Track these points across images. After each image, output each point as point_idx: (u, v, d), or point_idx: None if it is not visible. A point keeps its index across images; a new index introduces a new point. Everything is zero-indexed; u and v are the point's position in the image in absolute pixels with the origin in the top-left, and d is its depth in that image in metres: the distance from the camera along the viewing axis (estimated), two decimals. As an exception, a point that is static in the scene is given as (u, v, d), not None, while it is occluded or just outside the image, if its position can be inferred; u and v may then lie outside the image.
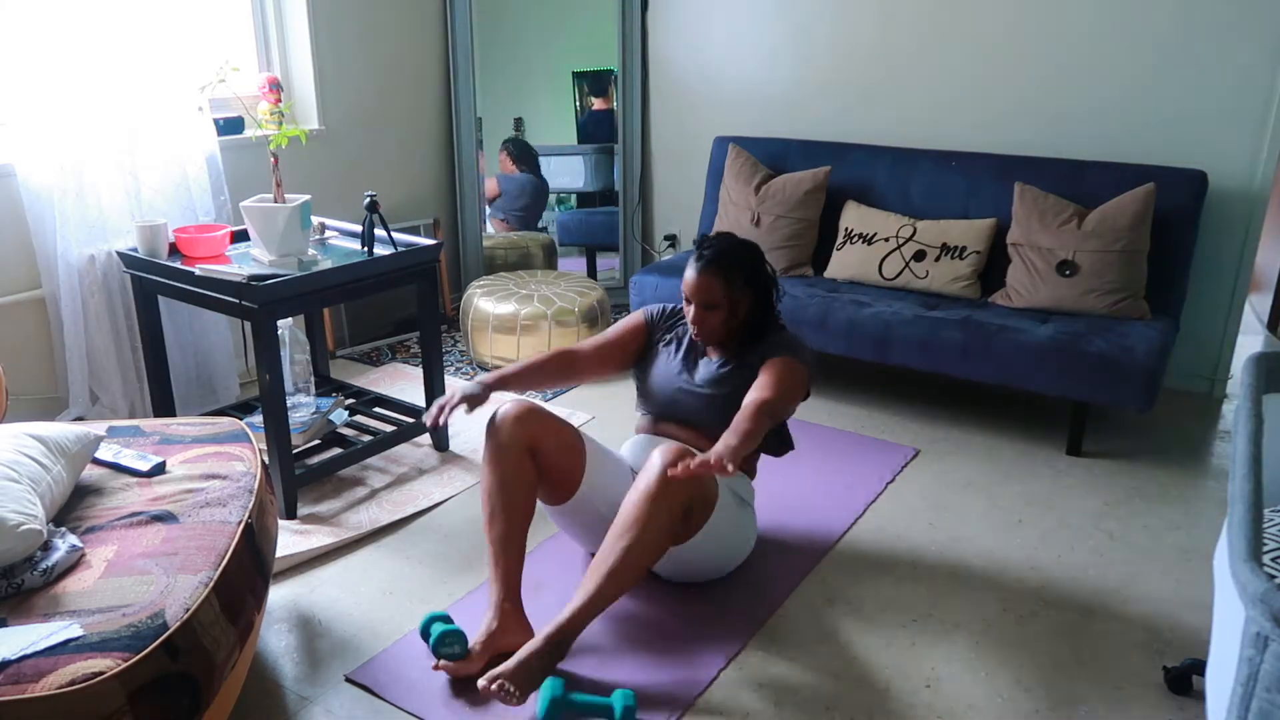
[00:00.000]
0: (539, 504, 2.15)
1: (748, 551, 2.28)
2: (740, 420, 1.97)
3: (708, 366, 2.24)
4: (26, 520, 1.54)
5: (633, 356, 2.35)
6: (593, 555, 2.08)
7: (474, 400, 2.05)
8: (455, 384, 2.49)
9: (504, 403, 2.10)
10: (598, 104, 4.28)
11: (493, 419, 2.06)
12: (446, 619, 1.98)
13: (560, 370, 2.26)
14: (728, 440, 1.90)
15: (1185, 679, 1.90)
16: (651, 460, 1.93)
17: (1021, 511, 2.61)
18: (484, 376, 2.13)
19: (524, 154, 4.28)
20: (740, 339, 2.23)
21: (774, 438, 2.30)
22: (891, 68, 3.65)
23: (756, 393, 2.06)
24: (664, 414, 2.28)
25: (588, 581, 1.89)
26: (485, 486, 2.04)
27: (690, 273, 2.16)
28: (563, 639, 1.86)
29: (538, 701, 1.75)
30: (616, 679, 1.91)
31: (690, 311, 2.19)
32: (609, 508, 2.07)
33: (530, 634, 1.96)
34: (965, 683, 1.93)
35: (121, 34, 2.81)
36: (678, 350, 2.30)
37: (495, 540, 2.01)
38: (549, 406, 2.89)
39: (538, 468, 2.08)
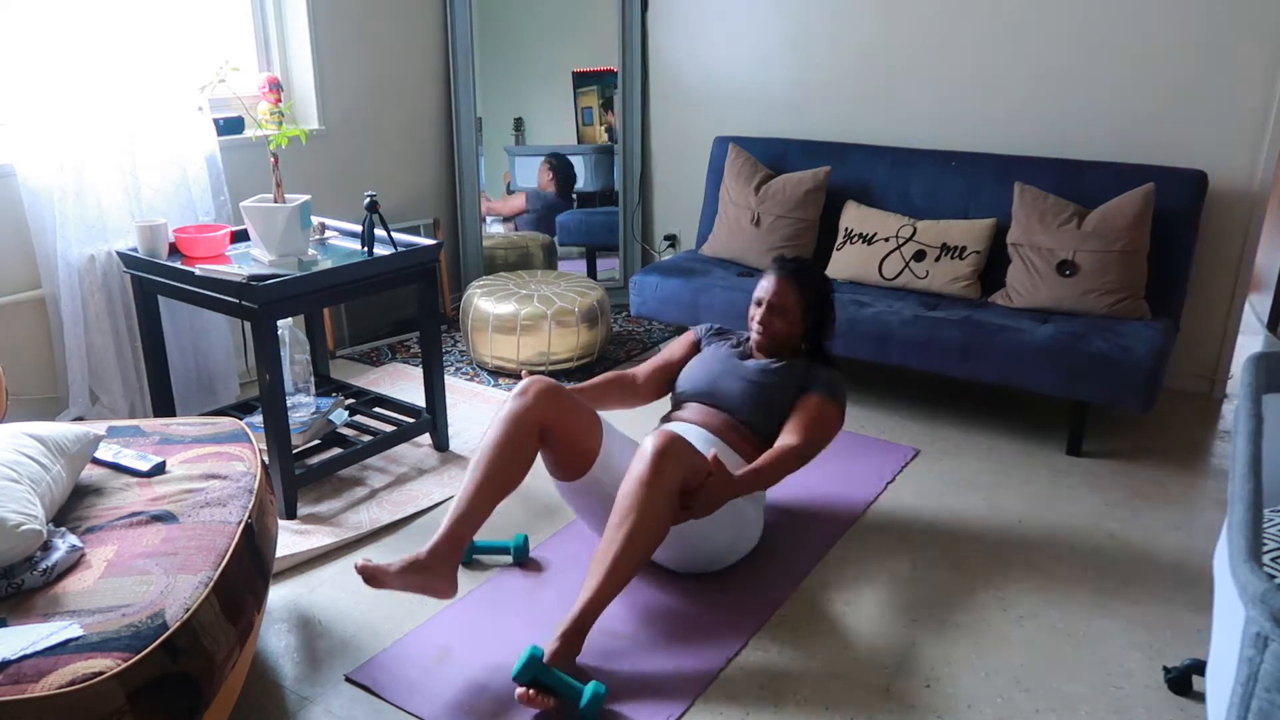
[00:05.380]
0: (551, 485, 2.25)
1: (751, 542, 2.30)
2: (767, 456, 2.15)
3: (758, 362, 2.37)
4: (26, 520, 1.54)
5: None
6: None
7: None
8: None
9: (532, 377, 2.15)
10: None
11: (517, 387, 2.11)
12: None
13: (621, 392, 2.44)
14: (743, 472, 2.08)
15: (1185, 679, 1.90)
16: (644, 446, 1.97)
17: (1021, 511, 2.61)
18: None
19: (564, 177, 4.28)
20: (794, 353, 2.42)
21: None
22: (891, 68, 3.65)
23: (789, 436, 2.22)
24: (701, 396, 2.36)
25: (593, 573, 1.91)
26: (485, 440, 2.07)
27: (770, 278, 2.39)
28: (577, 633, 1.88)
29: (518, 660, 1.80)
30: (615, 676, 1.92)
31: (758, 312, 2.38)
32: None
33: (454, 590, 1.97)
34: (965, 683, 1.93)
35: (121, 34, 2.81)
36: (727, 348, 2.45)
37: (467, 490, 2.02)
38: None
39: (546, 446, 2.12)
